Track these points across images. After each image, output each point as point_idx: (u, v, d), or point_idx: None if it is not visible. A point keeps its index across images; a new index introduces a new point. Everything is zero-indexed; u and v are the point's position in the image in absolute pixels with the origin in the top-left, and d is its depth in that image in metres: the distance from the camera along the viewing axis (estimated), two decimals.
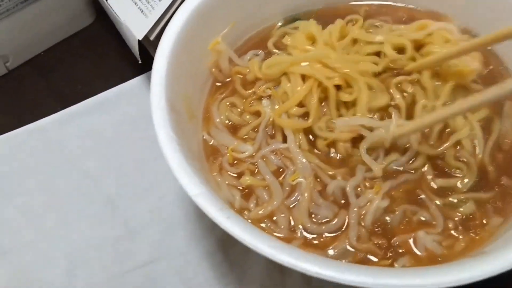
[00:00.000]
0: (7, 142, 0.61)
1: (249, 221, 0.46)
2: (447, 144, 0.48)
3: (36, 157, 0.61)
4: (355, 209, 0.46)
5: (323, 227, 0.46)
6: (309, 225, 0.46)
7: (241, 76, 0.55)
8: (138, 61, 0.62)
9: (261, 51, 0.57)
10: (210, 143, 0.52)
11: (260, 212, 0.46)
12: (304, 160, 0.48)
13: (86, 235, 0.56)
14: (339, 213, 0.46)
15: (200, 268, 0.54)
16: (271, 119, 0.51)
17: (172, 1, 0.57)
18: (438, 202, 0.47)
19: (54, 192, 0.58)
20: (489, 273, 0.37)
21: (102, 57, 0.70)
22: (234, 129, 0.52)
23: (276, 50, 0.56)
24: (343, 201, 0.47)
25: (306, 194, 0.46)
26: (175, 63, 0.49)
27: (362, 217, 0.46)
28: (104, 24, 0.70)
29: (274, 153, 0.49)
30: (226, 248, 0.55)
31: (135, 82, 0.65)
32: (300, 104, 0.50)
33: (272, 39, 0.57)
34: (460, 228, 0.46)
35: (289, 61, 0.51)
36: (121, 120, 0.63)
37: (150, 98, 0.46)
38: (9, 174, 0.59)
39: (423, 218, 0.46)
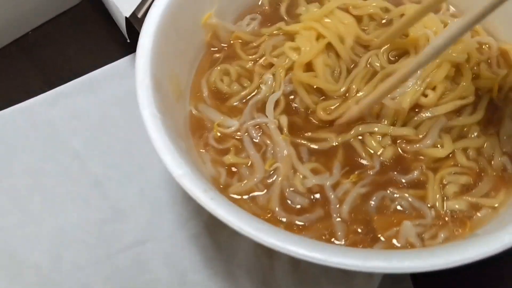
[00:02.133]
0: None
1: (232, 195, 0.46)
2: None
3: (23, 138, 0.60)
4: (337, 206, 0.45)
5: (294, 216, 0.45)
6: (277, 210, 0.45)
7: (241, 41, 0.54)
8: (127, 40, 0.60)
9: (258, 14, 0.56)
10: (197, 117, 0.50)
11: (241, 186, 0.46)
12: (283, 143, 0.47)
13: (73, 217, 0.55)
14: (316, 207, 0.45)
15: (186, 251, 0.53)
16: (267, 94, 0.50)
17: None
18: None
19: (40, 174, 0.57)
20: (482, 254, 0.36)
21: (91, 36, 0.68)
22: (221, 100, 0.51)
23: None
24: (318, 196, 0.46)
25: (280, 179, 0.46)
26: (162, 40, 0.48)
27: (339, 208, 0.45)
28: (93, 3, 0.68)
29: (257, 126, 0.49)
30: (213, 231, 0.54)
31: (124, 61, 0.64)
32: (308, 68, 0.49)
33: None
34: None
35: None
36: (109, 100, 0.62)
37: (135, 75, 0.45)
38: None
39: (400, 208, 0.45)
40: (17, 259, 0.53)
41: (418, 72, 0.47)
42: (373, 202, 0.45)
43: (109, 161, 0.58)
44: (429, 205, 0.44)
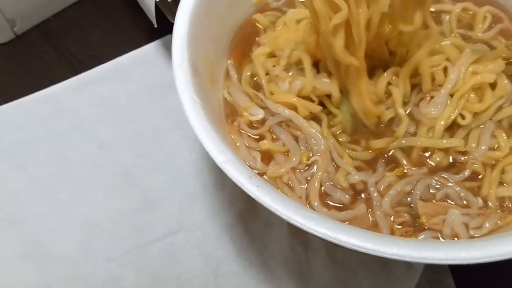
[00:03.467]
0: (18, 110, 0.59)
1: (266, 177, 0.44)
2: None
3: (48, 125, 0.58)
4: (376, 203, 0.43)
5: (332, 212, 0.43)
6: (316, 205, 0.43)
7: None
8: (153, 25, 0.59)
9: None
10: (229, 102, 0.49)
11: (278, 170, 0.44)
12: (318, 136, 0.45)
13: (101, 207, 0.53)
14: (357, 203, 0.43)
15: (219, 242, 0.52)
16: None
17: None
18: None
19: (66, 162, 0.56)
20: None
21: (114, 22, 0.66)
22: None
23: None
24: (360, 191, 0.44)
25: (319, 173, 0.44)
26: (196, 25, 0.46)
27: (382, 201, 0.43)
28: None
29: (280, 125, 0.47)
30: (247, 221, 0.53)
31: (151, 47, 0.63)
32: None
33: None
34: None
35: None
36: (136, 87, 0.60)
37: (172, 60, 0.43)
38: (19, 143, 0.57)
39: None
40: (45, 250, 0.51)
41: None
42: (418, 192, 0.43)
43: (137, 149, 0.56)
44: (480, 196, 0.43)
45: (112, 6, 0.67)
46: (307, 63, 0.47)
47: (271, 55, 0.49)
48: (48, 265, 0.51)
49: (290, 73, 0.48)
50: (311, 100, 0.46)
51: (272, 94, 0.47)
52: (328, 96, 0.47)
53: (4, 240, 0.51)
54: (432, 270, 0.50)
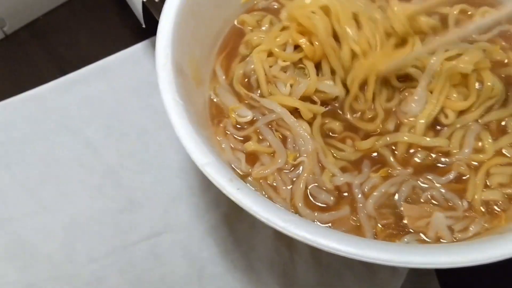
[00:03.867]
0: (4, 109, 0.58)
1: (250, 178, 0.44)
2: None
3: (34, 125, 0.58)
4: (360, 204, 0.43)
5: (316, 214, 0.42)
6: (300, 206, 0.42)
7: None
8: (141, 25, 0.58)
9: None
10: (215, 103, 0.49)
11: (263, 171, 0.44)
12: (306, 137, 0.45)
13: (86, 207, 0.53)
14: (342, 204, 0.43)
15: (204, 243, 0.52)
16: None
17: None
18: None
19: (52, 162, 0.56)
20: None
21: (103, 22, 0.66)
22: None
23: None
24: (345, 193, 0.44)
25: (305, 174, 0.43)
26: (182, 25, 0.46)
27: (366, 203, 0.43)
28: None
29: (270, 125, 0.46)
30: (232, 223, 0.53)
31: (138, 47, 0.62)
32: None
33: None
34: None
35: None
36: (123, 87, 0.60)
37: (156, 60, 0.43)
38: (6, 143, 0.56)
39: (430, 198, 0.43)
40: (29, 250, 0.51)
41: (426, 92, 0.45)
42: (402, 193, 0.43)
43: (124, 149, 0.56)
44: (466, 199, 0.43)
45: (101, 6, 0.67)
46: (310, 67, 0.47)
47: (269, 54, 0.49)
48: (32, 265, 0.50)
49: (288, 74, 0.47)
50: (313, 102, 0.46)
51: (271, 94, 0.47)
52: None
53: None
54: (417, 273, 0.50)
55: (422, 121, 0.44)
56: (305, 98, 0.46)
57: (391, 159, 0.44)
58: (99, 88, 0.60)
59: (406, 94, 0.47)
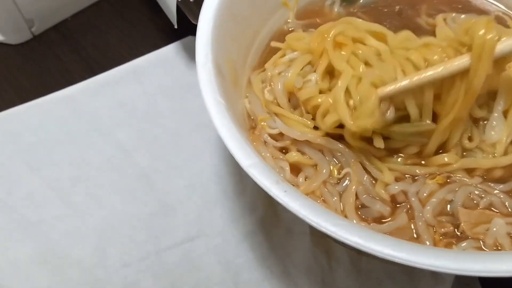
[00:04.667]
0: (35, 111, 0.57)
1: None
2: None
3: (65, 127, 0.57)
4: (419, 213, 0.41)
5: (371, 225, 0.41)
6: (352, 216, 0.41)
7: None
8: (171, 27, 0.58)
9: None
10: (248, 110, 0.47)
11: (310, 184, 0.42)
12: (344, 149, 0.43)
13: (118, 211, 0.52)
14: (397, 214, 0.41)
15: (239, 249, 0.50)
16: None
17: None
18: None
19: (83, 165, 0.54)
20: None
21: (132, 23, 0.65)
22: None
23: None
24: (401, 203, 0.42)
25: (353, 187, 0.42)
26: (220, 25, 0.45)
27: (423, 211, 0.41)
28: None
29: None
30: (268, 229, 0.51)
31: (169, 49, 0.61)
32: None
33: None
34: None
35: None
36: (154, 89, 0.59)
37: (196, 59, 0.42)
38: (36, 145, 0.55)
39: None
40: (59, 254, 0.50)
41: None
42: (459, 199, 0.41)
43: (156, 152, 0.55)
44: None
45: (130, 7, 0.66)
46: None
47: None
48: (63, 269, 0.49)
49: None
50: None
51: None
52: None
53: (18, 243, 0.50)
54: (462, 282, 0.48)
55: (502, 148, 0.43)
56: None
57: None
58: (130, 90, 0.59)
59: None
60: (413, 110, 0.41)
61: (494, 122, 0.43)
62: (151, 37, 0.64)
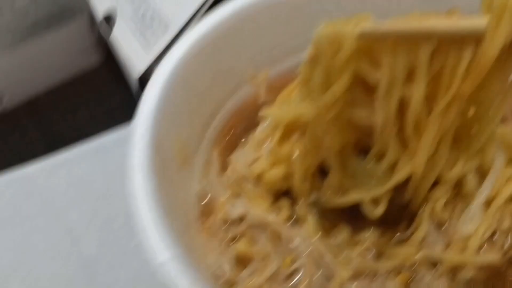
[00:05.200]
0: None
1: None
2: None
3: (15, 209, 0.53)
4: None
5: None
6: None
7: None
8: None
9: None
10: (206, 198, 0.42)
11: (252, 281, 0.36)
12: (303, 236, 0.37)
13: None
14: None
15: None
16: None
17: (177, 35, 0.49)
18: None
19: (25, 251, 0.49)
20: None
21: (105, 100, 0.63)
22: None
23: None
24: None
25: (306, 282, 0.36)
26: (169, 99, 0.41)
27: None
28: (111, 65, 0.63)
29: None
30: None
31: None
32: None
33: None
34: None
35: None
36: (114, 170, 0.53)
37: (132, 135, 0.38)
38: None
39: None
40: None
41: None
42: None
43: (106, 237, 0.50)
44: None
45: (104, 85, 0.64)
46: None
47: None
48: None
49: None
50: None
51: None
52: None
53: None
54: None
55: (476, 242, 0.36)
56: None
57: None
58: (90, 169, 0.55)
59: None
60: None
61: (473, 211, 0.37)
62: (121, 115, 0.60)
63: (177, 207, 0.38)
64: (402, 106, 0.34)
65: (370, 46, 0.33)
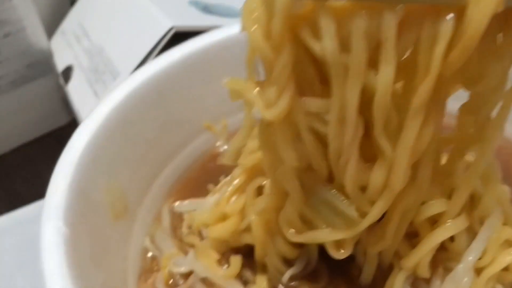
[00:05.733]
0: None
1: None
2: None
3: None
4: None
5: None
6: None
7: None
8: None
9: None
10: (150, 254, 0.38)
11: None
12: None
13: None
14: None
15: None
16: None
17: None
18: None
19: None
20: None
21: None
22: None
23: None
24: None
25: None
26: (102, 145, 0.37)
27: None
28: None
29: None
30: None
31: None
32: None
33: None
34: None
35: None
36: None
37: (49, 183, 0.34)
38: None
39: None
40: None
41: None
42: None
43: None
44: None
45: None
46: None
47: None
48: None
49: None
50: None
51: None
52: None
53: None
54: None
55: None
56: None
57: None
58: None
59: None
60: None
61: (460, 274, 0.32)
62: None
63: (105, 260, 0.34)
64: (367, 104, 0.26)
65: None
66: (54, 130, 0.63)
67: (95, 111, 0.38)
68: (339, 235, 0.30)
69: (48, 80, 0.60)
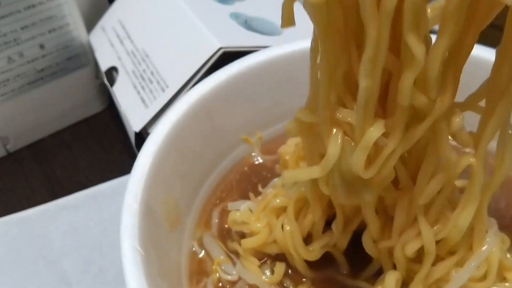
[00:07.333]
0: None
1: None
2: None
3: (13, 252, 0.54)
4: None
5: None
6: None
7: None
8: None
9: None
10: (199, 256, 0.44)
11: None
12: None
13: None
14: None
15: None
16: None
17: (178, 91, 0.51)
18: None
19: None
20: None
21: (107, 148, 0.65)
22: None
23: None
24: None
25: None
26: (162, 161, 0.42)
27: None
28: (114, 113, 0.65)
29: None
30: None
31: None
32: None
33: None
34: None
35: None
36: (111, 218, 0.56)
37: (124, 201, 0.39)
38: None
39: None
40: None
41: None
42: None
43: None
44: None
45: (107, 131, 0.66)
46: None
47: None
48: None
49: None
50: None
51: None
52: None
53: None
54: None
55: None
56: None
57: None
58: (87, 217, 0.56)
59: None
60: None
61: None
62: (121, 163, 0.63)
63: (166, 270, 0.39)
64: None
65: None
66: (89, 117, 0.67)
67: (155, 131, 0.43)
68: None
69: (85, 71, 0.64)
